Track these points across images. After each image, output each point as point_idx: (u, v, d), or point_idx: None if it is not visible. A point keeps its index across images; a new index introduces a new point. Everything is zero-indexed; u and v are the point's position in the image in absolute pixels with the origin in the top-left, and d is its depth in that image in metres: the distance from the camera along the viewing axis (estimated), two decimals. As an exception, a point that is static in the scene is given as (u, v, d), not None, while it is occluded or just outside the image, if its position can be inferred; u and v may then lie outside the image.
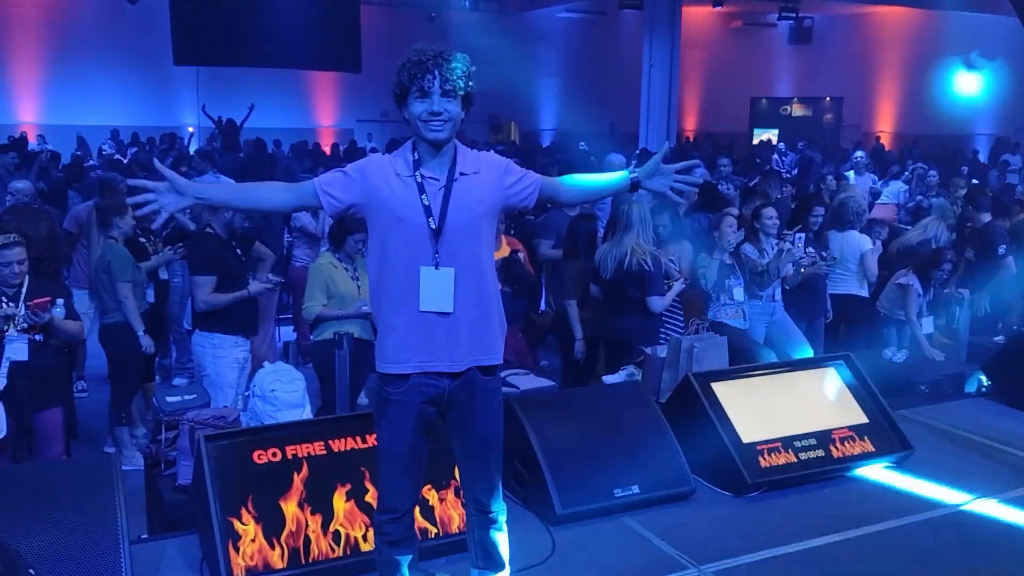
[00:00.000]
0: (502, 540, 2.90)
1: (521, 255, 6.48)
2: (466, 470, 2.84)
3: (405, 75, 2.57)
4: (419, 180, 2.64)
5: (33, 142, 17.25)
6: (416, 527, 3.35)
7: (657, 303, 5.20)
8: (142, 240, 6.08)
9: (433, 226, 2.62)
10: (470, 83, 2.61)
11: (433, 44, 2.60)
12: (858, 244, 6.39)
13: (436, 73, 2.54)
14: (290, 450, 3.41)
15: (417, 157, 2.66)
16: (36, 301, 4.13)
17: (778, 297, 5.86)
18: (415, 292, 2.62)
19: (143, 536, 3.84)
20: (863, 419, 4.47)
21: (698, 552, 3.52)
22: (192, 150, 15.79)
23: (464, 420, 2.76)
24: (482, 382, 2.73)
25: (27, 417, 4.24)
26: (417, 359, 2.66)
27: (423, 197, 2.62)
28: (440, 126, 2.58)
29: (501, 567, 2.93)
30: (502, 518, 2.89)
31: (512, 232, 7.23)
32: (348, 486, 3.38)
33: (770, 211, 5.95)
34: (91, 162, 14.36)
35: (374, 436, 3.11)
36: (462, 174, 2.67)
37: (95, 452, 5.55)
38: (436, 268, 2.62)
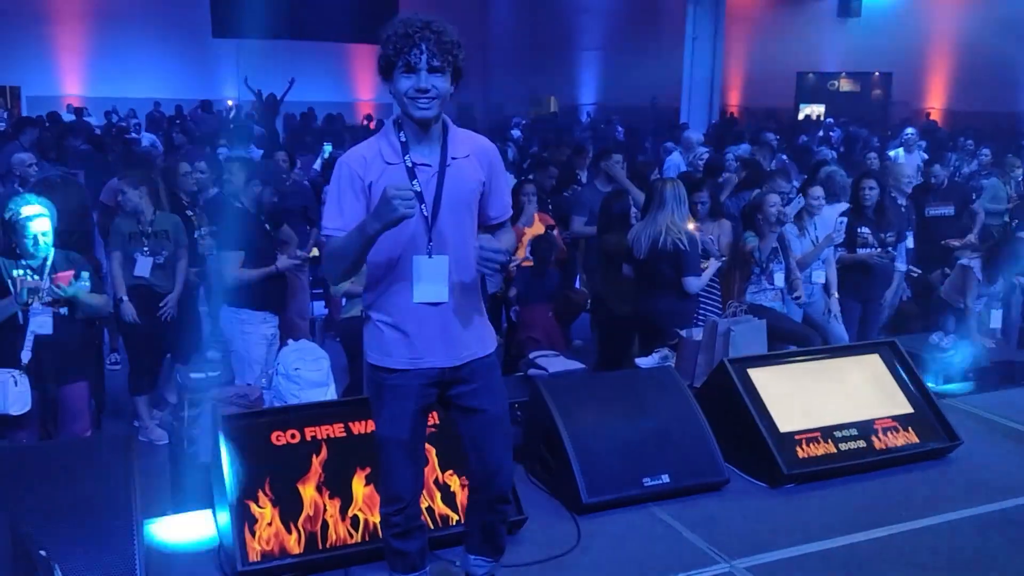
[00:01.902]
0: (504, 527, 2.82)
1: (554, 232, 6.35)
2: (473, 450, 2.71)
3: (391, 48, 2.43)
4: (409, 165, 2.52)
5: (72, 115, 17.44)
6: (436, 514, 3.29)
7: (693, 283, 5.03)
8: (189, 213, 6.05)
9: (426, 213, 2.51)
10: (460, 56, 2.46)
11: (421, 14, 2.46)
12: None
13: (423, 47, 2.40)
14: (309, 431, 3.33)
15: (404, 139, 2.54)
16: (59, 275, 4.09)
17: (816, 279, 5.72)
18: (408, 282, 2.52)
19: (167, 514, 3.81)
20: (908, 409, 4.28)
21: (729, 546, 3.38)
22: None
23: (465, 400, 2.66)
24: (479, 363, 2.64)
25: (52, 391, 4.22)
26: (411, 354, 2.56)
27: (414, 183, 2.50)
28: (427, 104, 2.45)
29: (500, 553, 2.84)
30: (508, 503, 2.80)
31: (548, 209, 7.09)
32: (368, 470, 3.28)
33: (817, 190, 5.82)
34: (134, 135, 14.44)
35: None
36: (453, 158, 2.56)
37: (124, 426, 5.55)
38: (430, 256, 2.52)
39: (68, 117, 16.19)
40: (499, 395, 2.71)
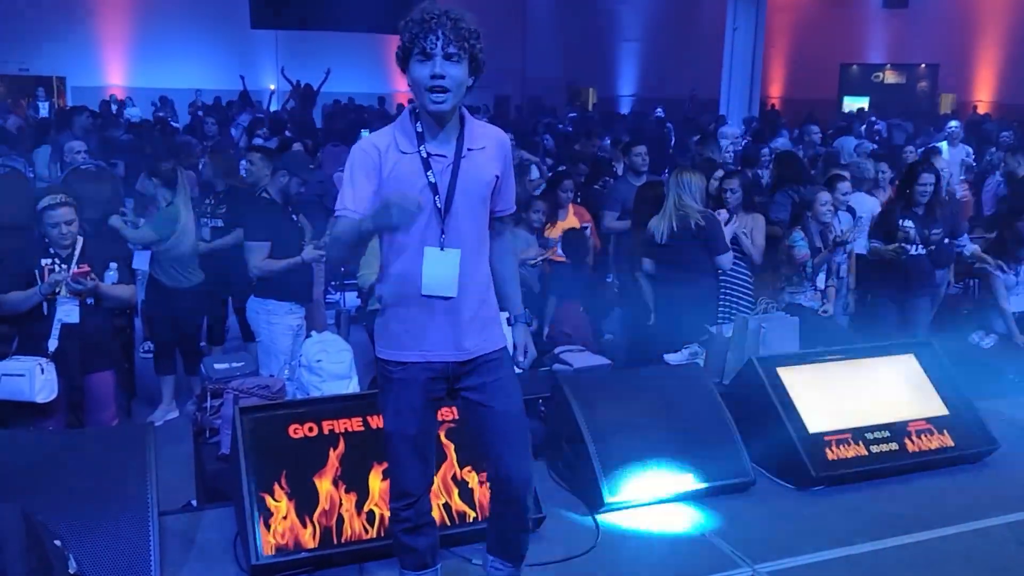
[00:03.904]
0: (522, 535, 2.71)
1: (587, 228, 6.28)
2: (492, 451, 2.61)
3: (407, 35, 2.39)
4: (424, 156, 2.47)
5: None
6: (454, 510, 3.25)
7: (725, 260, 5.01)
8: (207, 202, 6.08)
9: (439, 205, 2.47)
10: (478, 46, 2.41)
11: (439, 3, 2.41)
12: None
13: (440, 33, 2.36)
14: (327, 425, 3.30)
15: (420, 129, 2.49)
16: (76, 271, 4.11)
17: (844, 273, 5.64)
18: (418, 274, 2.48)
19: (192, 503, 3.82)
20: (943, 411, 4.15)
21: (753, 550, 3.29)
22: (272, 110, 16.01)
23: (474, 394, 2.59)
24: (485, 359, 2.58)
25: (78, 379, 4.25)
26: (421, 348, 2.52)
27: (429, 174, 2.46)
28: (442, 97, 2.39)
29: (518, 561, 2.76)
30: (523, 507, 2.64)
31: (579, 200, 7.01)
32: (384, 464, 3.24)
33: (846, 185, 5.73)
34: (175, 123, 14.62)
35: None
36: (469, 150, 2.51)
37: (150, 414, 5.59)
38: (442, 249, 2.47)
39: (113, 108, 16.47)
40: (510, 392, 2.62)
